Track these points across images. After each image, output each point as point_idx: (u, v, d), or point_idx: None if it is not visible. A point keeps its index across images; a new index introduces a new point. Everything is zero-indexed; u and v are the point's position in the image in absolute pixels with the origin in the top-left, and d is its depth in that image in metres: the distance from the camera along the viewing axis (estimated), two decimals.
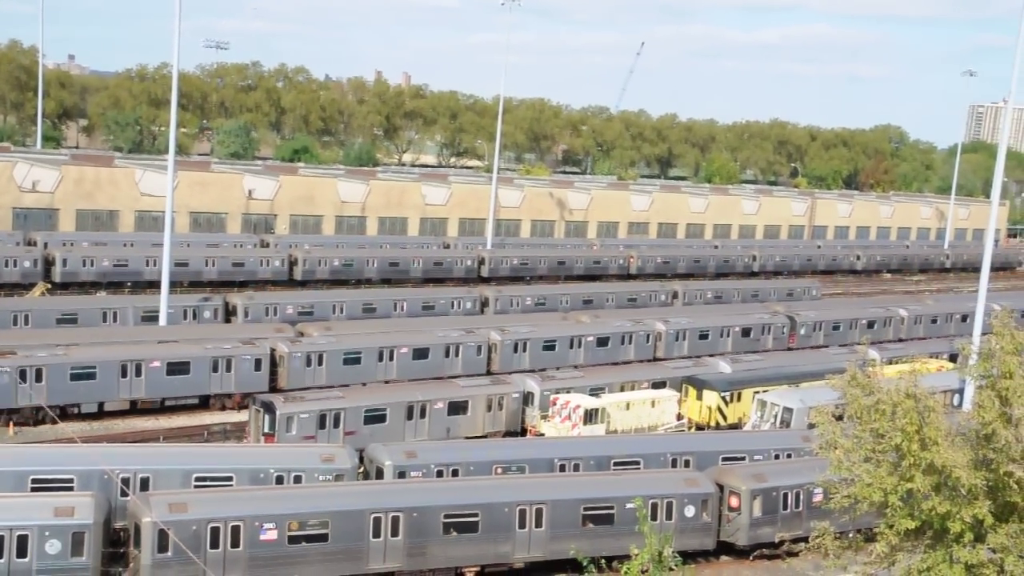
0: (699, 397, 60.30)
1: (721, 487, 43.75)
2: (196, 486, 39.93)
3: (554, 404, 55.46)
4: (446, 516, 38.92)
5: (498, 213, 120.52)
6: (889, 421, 27.28)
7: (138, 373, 56.47)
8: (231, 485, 40.41)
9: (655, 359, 73.37)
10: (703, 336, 77.53)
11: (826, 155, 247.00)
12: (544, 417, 55.79)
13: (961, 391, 58.54)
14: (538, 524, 40.27)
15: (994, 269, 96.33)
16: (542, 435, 54.95)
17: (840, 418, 30.06)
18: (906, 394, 27.33)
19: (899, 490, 26.90)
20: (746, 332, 79.78)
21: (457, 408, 54.60)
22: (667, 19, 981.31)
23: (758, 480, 44.11)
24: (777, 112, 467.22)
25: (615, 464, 46.54)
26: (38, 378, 53.69)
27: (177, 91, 69.18)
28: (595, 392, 57.99)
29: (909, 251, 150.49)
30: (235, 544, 35.91)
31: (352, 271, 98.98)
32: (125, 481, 39.31)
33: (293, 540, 36.71)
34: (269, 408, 49.37)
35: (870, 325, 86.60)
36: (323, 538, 37.16)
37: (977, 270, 71.83)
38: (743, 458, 48.59)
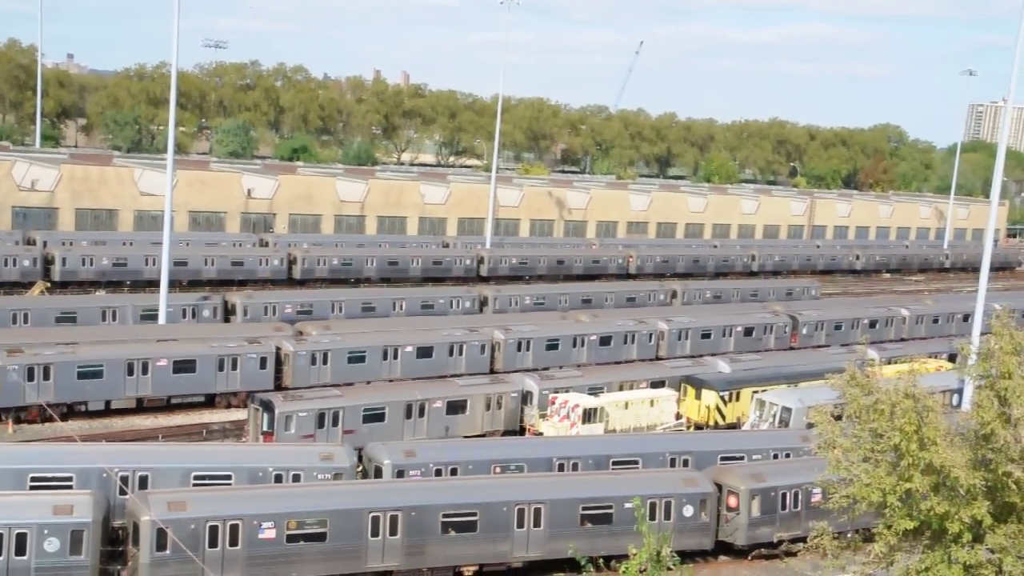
0: (698, 396, 60.32)
1: (720, 487, 43.75)
2: (195, 485, 39.98)
3: (553, 403, 55.45)
4: (444, 515, 38.91)
5: (497, 212, 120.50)
6: (888, 421, 27.28)
7: (144, 371, 56.76)
8: (230, 484, 40.42)
9: (657, 358, 73.40)
10: (705, 335, 77.58)
11: (825, 154, 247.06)
12: (543, 416, 55.79)
13: (960, 391, 58.52)
14: (536, 523, 40.28)
15: (993, 269, 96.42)
16: (541, 434, 54.96)
17: (839, 418, 30.05)
18: (905, 394, 27.32)
19: (898, 490, 26.89)
20: (748, 331, 79.84)
21: (456, 407, 54.63)
22: (666, 18, 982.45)
23: (757, 480, 44.11)
24: (776, 111, 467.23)
25: (614, 463, 46.54)
26: (45, 376, 54.01)
27: (176, 90, 69.20)
28: (594, 391, 58.00)
29: (908, 251, 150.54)
30: (233, 543, 35.91)
31: (351, 270, 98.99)
32: (124, 479, 39.35)
33: (291, 539, 36.73)
34: (268, 407, 49.37)
35: (872, 325, 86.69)
36: (321, 537, 37.17)
37: (976, 270, 71.84)
38: (742, 458, 48.61)
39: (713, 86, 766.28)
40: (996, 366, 27.54)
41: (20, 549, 33.92)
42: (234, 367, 59.04)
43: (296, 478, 41.24)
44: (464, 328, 69.19)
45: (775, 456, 49.26)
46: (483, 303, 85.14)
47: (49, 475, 39.02)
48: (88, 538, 34.58)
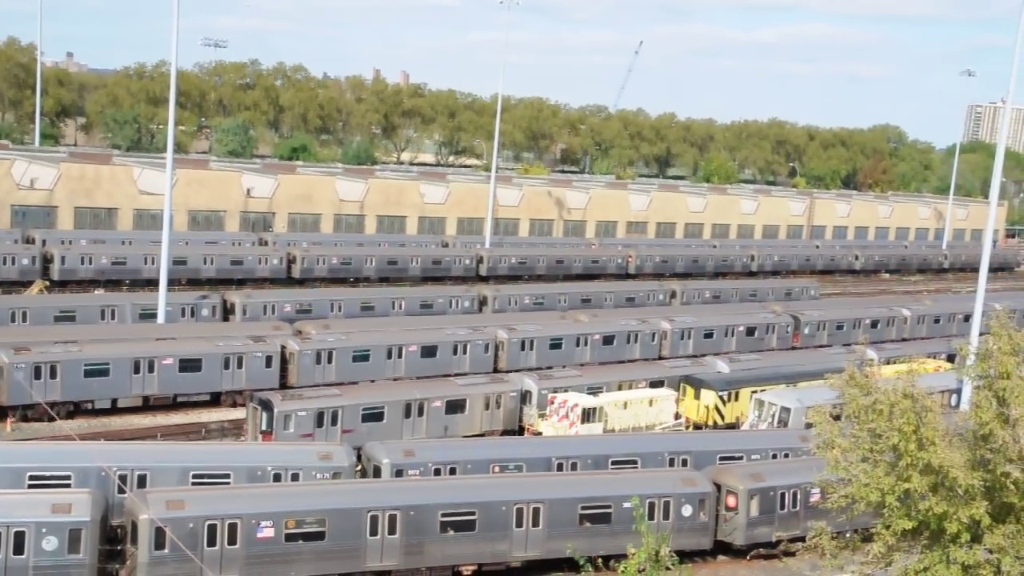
0: (697, 396, 60.32)
1: (718, 486, 43.75)
2: (193, 483, 39.97)
3: (552, 403, 55.45)
4: (443, 515, 38.90)
5: (496, 212, 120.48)
6: (886, 421, 27.29)
7: (151, 370, 56.94)
8: (228, 483, 40.41)
9: (660, 358, 73.44)
10: (708, 335, 77.66)
11: (825, 155, 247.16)
12: (542, 416, 55.79)
13: (959, 391, 58.56)
14: (535, 523, 40.27)
15: (992, 269, 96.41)
16: (540, 434, 54.96)
17: (837, 418, 30.06)
18: (903, 394, 27.33)
19: (896, 490, 26.89)
20: (751, 331, 79.94)
21: (455, 407, 54.64)
22: (666, 18, 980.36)
23: (755, 480, 44.11)
24: (776, 111, 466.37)
25: (612, 463, 46.55)
26: (52, 374, 54.15)
27: (175, 89, 69.17)
28: (593, 391, 58.00)
29: (907, 251, 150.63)
30: (232, 542, 35.90)
31: (350, 269, 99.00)
32: (122, 478, 39.31)
33: (290, 538, 36.71)
34: (267, 406, 49.34)
35: (874, 325, 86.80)
36: (320, 536, 37.15)
37: (975, 270, 71.87)
38: (740, 457, 48.62)
39: (713, 86, 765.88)
40: (994, 366, 27.57)
41: (18, 548, 33.88)
42: (239, 366, 59.32)
43: (295, 477, 41.24)
44: (468, 327, 69.35)
45: (774, 456, 49.26)
46: (482, 303, 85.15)
47: (47, 474, 38.98)
48: (86, 537, 34.54)
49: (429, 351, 64.92)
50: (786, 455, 49.14)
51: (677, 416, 59.16)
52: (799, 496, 44.14)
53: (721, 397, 59.78)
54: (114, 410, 56.70)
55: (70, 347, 56.30)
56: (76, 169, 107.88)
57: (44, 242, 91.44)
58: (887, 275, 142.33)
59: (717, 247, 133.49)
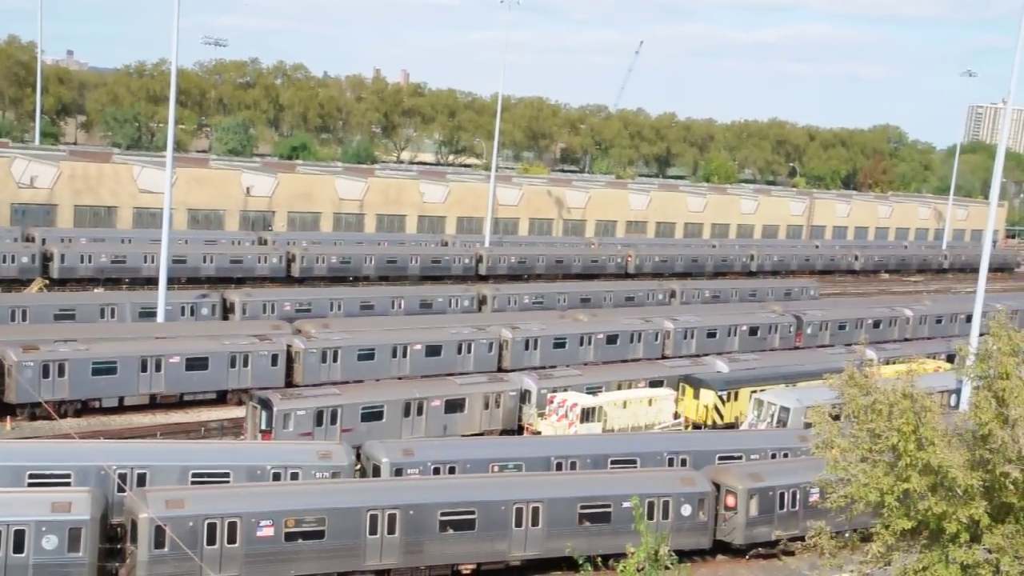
0: (696, 396, 60.34)
1: (718, 486, 43.78)
2: (193, 482, 39.99)
3: (551, 402, 55.47)
4: (443, 514, 38.92)
5: (496, 211, 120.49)
6: (886, 421, 27.31)
7: (158, 368, 57.16)
8: (228, 482, 40.43)
9: (663, 357, 73.48)
10: (711, 335, 77.68)
11: (825, 155, 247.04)
12: (541, 415, 55.81)
13: (958, 391, 58.57)
14: (534, 522, 40.30)
15: (992, 270, 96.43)
16: (539, 433, 54.98)
17: (837, 418, 30.08)
18: (903, 394, 27.36)
19: (895, 490, 26.91)
20: (753, 331, 79.98)
21: (454, 406, 54.67)
22: (667, 18, 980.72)
23: (755, 479, 44.14)
24: (776, 112, 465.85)
25: (612, 463, 46.58)
26: (60, 373, 54.34)
27: (176, 88, 69.14)
28: (592, 390, 58.04)
29: (907, 251, 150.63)
30: (232, 540, 35.92)
31: (350, 268, 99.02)
32: (122, 477, 39.34)
33: (290, 537, 36.73)
34: (266, 405, 49.36)
35: (876, 325, 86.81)
36: (319, 535, 37.18)
37: (975, 271, 71.87)
38: (740, 457, 48.64)
39: (713, 86, 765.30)
40: (994, 367, 27.60)
41: (18, 546, 33.89)
42: (245, 364, 59.54)
43: (294, 476, 41.28)
44: (472, 326, 69.50)
45: (773, 456, 49.29)
46: (482, 302, 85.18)
47: (47, 472, 39.02)
48: (86, 535, 34.56)
49: (434, 350, 65.11)
50: (785, 455, 49.17)
51: (676, 416, 59.20)
52: (798, 496, 44.16)
53: (720, 397, 59.80)
54: (120, 408, 56.84)
55: (78, 346, 56.49)
56: (76, 167, 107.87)
57: (44, 240, 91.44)
58: (887, 275, 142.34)
59: (716, 247, 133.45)
